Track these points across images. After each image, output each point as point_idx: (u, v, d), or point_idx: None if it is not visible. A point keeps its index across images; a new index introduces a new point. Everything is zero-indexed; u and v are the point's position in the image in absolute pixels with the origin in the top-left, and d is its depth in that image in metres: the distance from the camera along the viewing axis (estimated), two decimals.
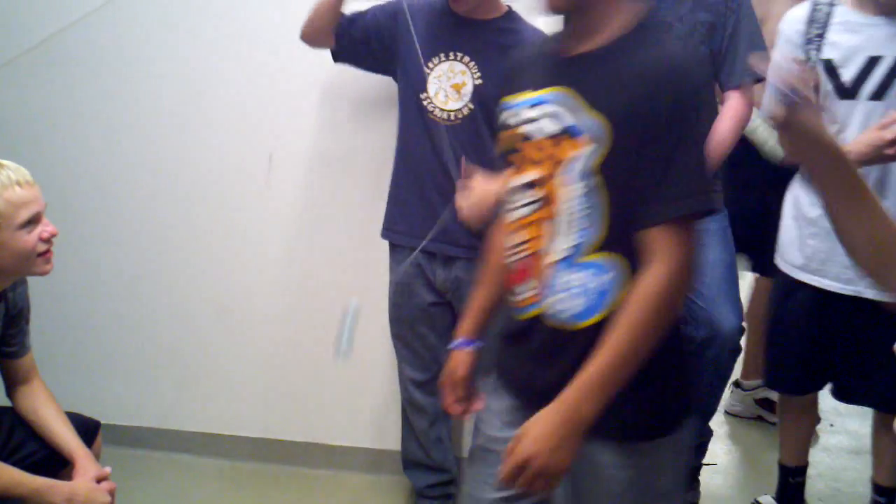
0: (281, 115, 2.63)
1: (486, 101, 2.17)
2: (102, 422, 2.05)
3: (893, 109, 1.92)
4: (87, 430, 1.96)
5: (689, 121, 1.25)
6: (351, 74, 2.46)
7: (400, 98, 2.32)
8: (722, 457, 2.92)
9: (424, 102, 2.23)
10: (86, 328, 2.92)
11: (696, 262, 1.32)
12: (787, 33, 2.11)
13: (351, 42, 2.29)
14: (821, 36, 2.02)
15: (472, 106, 2.20)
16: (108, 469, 1.83)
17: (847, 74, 2.01)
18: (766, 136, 2.44)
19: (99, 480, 1.79)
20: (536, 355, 1.43)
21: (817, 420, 2.50)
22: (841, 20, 2.02)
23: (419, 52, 2.19)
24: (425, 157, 2.24)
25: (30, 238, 1.72)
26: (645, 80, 1.26)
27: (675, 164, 1.25)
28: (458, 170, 2.20)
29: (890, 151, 1.90)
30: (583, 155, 1.29)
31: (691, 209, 1.27)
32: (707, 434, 2.49)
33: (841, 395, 2.31)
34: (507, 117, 1.44)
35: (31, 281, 1.90)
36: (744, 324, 2.33)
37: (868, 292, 2.06)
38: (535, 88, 1.38)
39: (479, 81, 2.19)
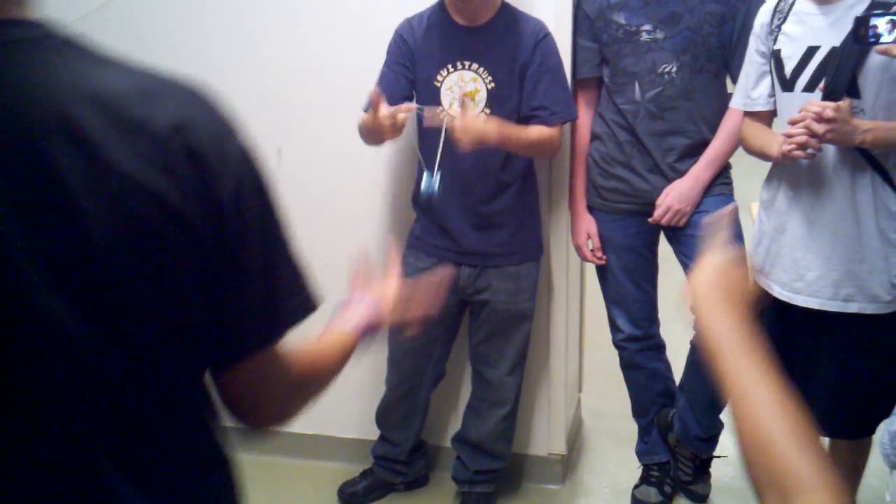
0: (290, 109, 2.62)
1: (502, 104, 2.18)
2: None
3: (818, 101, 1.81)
4: None
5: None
6: (361, 69, 2.46)
7: (417, 114, 2.33)
8: (733, 449, 2.89)
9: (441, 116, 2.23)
10: None
11: None
12: (754, 26, 2.06)
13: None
14: (780, 27, 1.97)
15: (487, 111, 2.20)
16: None
17: (789, 66, 1.95)
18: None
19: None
20: None
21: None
22: (795, 10, 1.96)
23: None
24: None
25: None
26: None
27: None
28: (480, 182, 2.22)
29: (785, 148, 1.82)
30: None
31: None
32: (718, 426, 2.48)
33: None
34: None
35: None
36: None
37: (798, 298, 1.96)
38: None
39: (492, 86, 2.19)
